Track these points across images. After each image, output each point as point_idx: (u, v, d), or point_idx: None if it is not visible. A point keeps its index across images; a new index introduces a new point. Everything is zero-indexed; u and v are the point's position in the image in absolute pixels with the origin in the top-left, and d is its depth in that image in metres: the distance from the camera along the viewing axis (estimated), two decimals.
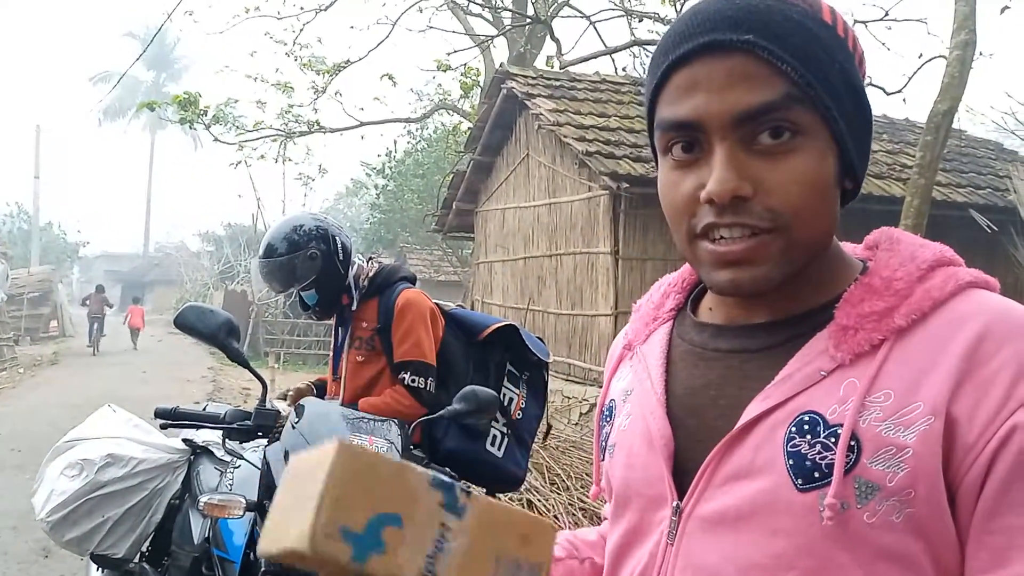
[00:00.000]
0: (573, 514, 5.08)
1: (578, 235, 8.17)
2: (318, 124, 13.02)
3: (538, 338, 2.88)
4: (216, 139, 12.45)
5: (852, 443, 0.69)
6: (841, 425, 0.70)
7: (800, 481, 0.71)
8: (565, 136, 7.70)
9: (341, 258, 2.63)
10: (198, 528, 2.41)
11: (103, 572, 2.82)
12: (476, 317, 2.84)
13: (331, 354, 2.85)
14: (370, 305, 2.66)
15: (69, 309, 29.20)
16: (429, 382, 2.55)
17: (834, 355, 0.73)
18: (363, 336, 2.66)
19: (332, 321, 2.82)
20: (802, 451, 0.71)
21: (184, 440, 2.72)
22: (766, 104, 0.70)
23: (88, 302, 20.64)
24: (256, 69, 17.89)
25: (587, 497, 5.36)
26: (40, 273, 26.24)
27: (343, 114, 12.96)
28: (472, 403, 2.26)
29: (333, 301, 2.68)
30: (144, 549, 2.72)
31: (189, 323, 2.12)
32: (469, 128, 11.72)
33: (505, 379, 2.71)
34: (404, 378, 2.53)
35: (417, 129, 19.67)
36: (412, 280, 2.78)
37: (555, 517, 5.01)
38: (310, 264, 2.58)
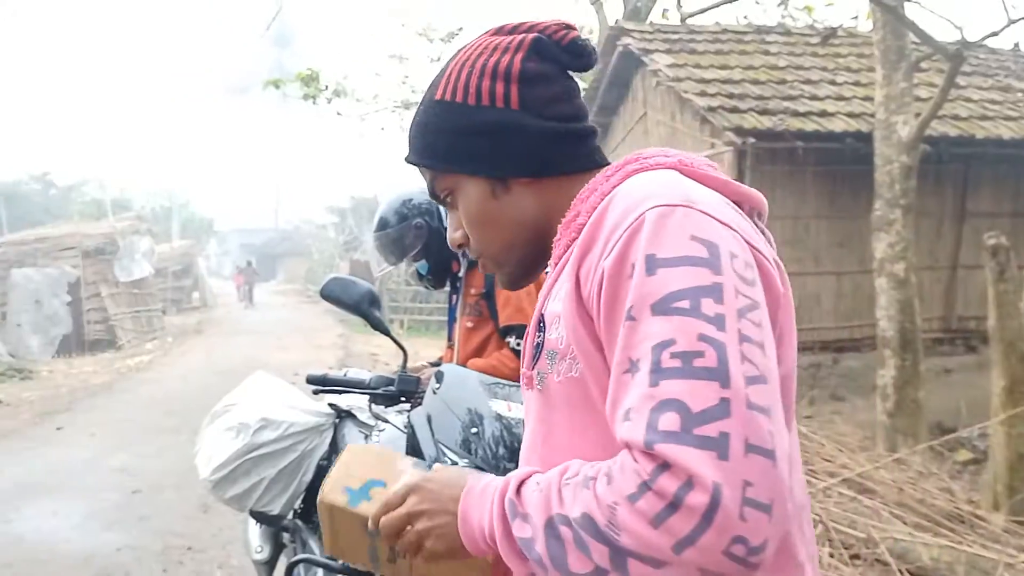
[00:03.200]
0: None
1: None
2: None
3: None
4: (339, 113, 12.83)
5: (541, 324, 0.93)
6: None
7: (525, 365, 0.97)
8: (685, 91, 7.46)
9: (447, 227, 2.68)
10: None
11: (260, 527, 3.00)
12: None
13: (447, 321, 2.93)
14: (476, 271, 2.70)
15: (208, 280, 31.19)
16: None
17: (552, 264, 0.96)
18: (471, 302, 2.71)
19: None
20: (529, 341, 0.96)
21: (329, 404, 2.83)
22: (427, 186, 1.06)
23: (242, 273, 29.72)
24: (375, 42, 18.17)
25: None
26: (182, 247, 28.09)
27: None
28: None
29: (443, 269, 2.76)
30: (297, 507, 2.86)
31: (334, 294, 2.20)
32: (583, 89, 11.56)
33: None
34: (510, 342, 2.55)
35: None
36: None
37: None
38: (417, 234, 2.69)
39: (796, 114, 7.20)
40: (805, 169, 7.23)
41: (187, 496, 5.23)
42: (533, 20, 1.05)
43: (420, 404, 2.16)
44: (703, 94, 7.34)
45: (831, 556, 3.51)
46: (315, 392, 2.43)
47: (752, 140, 6.72)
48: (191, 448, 2.90)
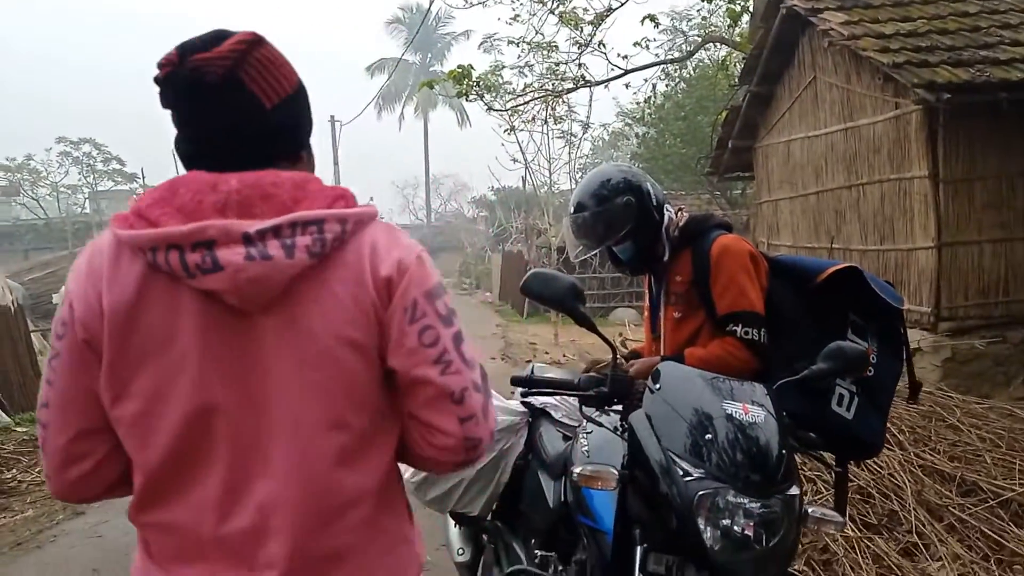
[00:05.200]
0: (912, 471, 4.54)
1: (884, 160, 7.28)
2: (583, 79, 12.92)
3: (887, 282, 2.50)
4: (489, 108, 12.89)
5: None
6: None
7: None
8: (864, 50, 6.84)
9: (655, 205, 2.48)
10: (551, 492, 2.39)
11: (461, 528, 2.96)
12: (806, 261, 2.54)
13: (646, 312, 2.72)
14: (683, 257, 2.47)
15: None
16: (762, 333, 2.31)
17: None
18: (678, 291, 2.48)
19: (645, 279, 2.69)
20: None
21: (522, 402, 2.74)
22: None
23: None
24: (517, 34, 18.21)
25: (926, 454, 4.78)
26: None
27: (606, 66, 12.74)
28: (840, 361, 1.99)
29: (647, 253, 2.52)
30: (495, 507, 2.80)
31: (536, 290, 2.07)
32: (742, 58, 10.96)
33: (849, 331, 2.37)
34: (736, 330, 2.31)
35: (675, 70, 18.86)
36: (727, 227, 2.54)
37: (890, 475, 4.53)
38: (625, 213, 2.44)
39: (997, 63, 6.43)
40: (1009, 123, 6.45)
41: None
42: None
43: (635, 406, 2.00)
44: (885, 50, 6.70)
45: None
46: (523, 395, 2.32)
47: (947, 96, 6.06)
48: None
